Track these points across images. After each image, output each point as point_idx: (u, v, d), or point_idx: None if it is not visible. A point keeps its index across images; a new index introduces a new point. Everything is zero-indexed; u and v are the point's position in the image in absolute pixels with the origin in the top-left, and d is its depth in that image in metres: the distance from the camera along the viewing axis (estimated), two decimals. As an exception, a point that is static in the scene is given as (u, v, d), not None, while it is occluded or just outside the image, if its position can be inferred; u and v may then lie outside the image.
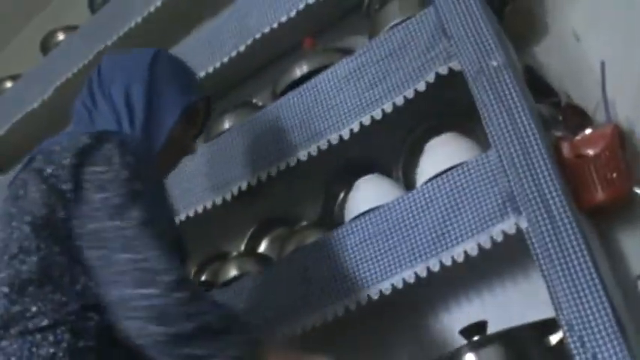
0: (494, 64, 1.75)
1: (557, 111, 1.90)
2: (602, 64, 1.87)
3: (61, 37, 2.95)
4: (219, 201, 2.13)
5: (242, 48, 2.25)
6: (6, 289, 1.37)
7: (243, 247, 2.34)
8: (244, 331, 1.32)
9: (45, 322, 1.33)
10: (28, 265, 1.37)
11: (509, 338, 1.70)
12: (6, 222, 1.43)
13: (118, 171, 1.41)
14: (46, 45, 2.97)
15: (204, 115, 1.88)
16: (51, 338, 1.32)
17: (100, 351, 1.35)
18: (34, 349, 1.31)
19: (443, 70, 1.82)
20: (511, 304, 1.91)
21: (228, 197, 2.11)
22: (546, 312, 1.65)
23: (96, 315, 1.36)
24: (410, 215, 1.79)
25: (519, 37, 2.04)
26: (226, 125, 2.25)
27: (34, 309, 1.34)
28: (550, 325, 1.67)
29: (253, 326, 1.34)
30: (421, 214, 1.77)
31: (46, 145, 1.51)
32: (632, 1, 1.96)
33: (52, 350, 1.31)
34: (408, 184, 1.97)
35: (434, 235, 1.75)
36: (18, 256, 1.38)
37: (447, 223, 1.74)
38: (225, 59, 2.28)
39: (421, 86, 1.85)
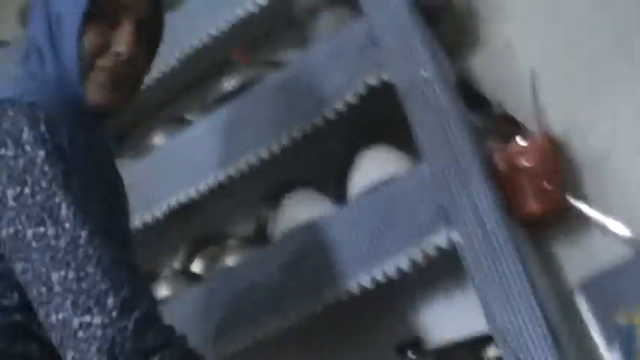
0: (425, 74, 1.72)
1: (490, 121, 1.87)
2: (532, 73, 1.86)
3: (-8, 53, 2.86)
4: (148, 219, 2.06)
5: (173, 62, 2.19)
6: None
7: (176, 266, 2.28)
8: None
9: None
10: None
11: (445, 354, 1.67)
12: None
13: (32, 152, 1.12)
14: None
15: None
16: None
17: (10, 356, 1.14)
18: None
19: (373, 81, 1.79)
20: (447, 320, 1.88)
21: (158, 214, 2.05)
22: (483, 327, 1.62)
23: None
24: (341, 230, 1.75)
25: (454, 47, 2.02)
26: (156, 141, 2.19)
27: None
28: (486, 341, 1.63)
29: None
30: (352, 229, 1.73)
31: None
32: (563, 12, 1.96)
33: None
34: (340, 198, 1.93)
35: (365, 249, 1.71)
36: None
37: (379, 237, 1.70)
38: (155, 74, 2.21)
39: (352, 98, 1.81)
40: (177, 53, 2.16)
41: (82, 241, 1.09)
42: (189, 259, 2.27)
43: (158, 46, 1.44)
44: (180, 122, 2.23)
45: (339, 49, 1.85)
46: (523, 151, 1.77)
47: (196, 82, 2.33)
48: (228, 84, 2.07)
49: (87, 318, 1.06)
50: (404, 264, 1.67)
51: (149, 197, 2.07)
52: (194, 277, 2.17)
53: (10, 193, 1.12)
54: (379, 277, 1.69)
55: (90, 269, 1.08)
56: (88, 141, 1.23)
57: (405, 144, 1.82)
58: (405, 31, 1.78)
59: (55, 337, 1.09)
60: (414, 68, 1.74)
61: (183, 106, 2.37)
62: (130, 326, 1.06)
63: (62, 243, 1.09)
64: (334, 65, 1.85)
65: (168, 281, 2.15)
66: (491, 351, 1.64)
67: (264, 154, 1.91)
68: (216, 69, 2.26)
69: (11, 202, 1.11)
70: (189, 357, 1.13)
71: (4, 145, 1.13)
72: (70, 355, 1.08)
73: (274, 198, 2.02)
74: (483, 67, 2.04)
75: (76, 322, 1.06)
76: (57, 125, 1.16)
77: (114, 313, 1.06)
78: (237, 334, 1.86)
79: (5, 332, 1.15)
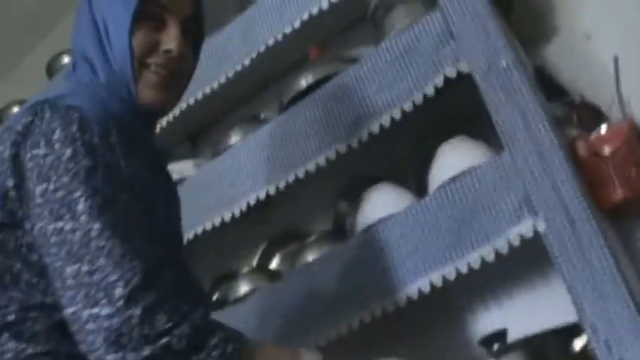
0: (503, 63, 1.70)
1: (570, 111, 1.85)
2: (616, 59, 1.82)
3: (66, 59, 2.91)
4: (227, 217, 2.08)
5: (247, 61, 2.20)
6: None
7: (254, 264, 2.29)
8: (219, 345, 1.12)
9: None
10: None
11: (531, 346, 1.65)
12: None
13: (60, 150, 1.16)
14: (52, 68, 2.94)
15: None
16: None
17: (57, 354, 1.18)
18: None
19: (451, 73, 1.78)
20: (531, 311, 1.86)
21: (237, 213, 2.06)
22: (568, 317, 1.60)
23: (42, 315, 1.18)
24: (423, 223, 1.74)
25: (529, 37, 2.00)
26: (233, 140, 2.20)
27: None
28: (573, 331, 1.61)
29: (236, 334, 1.18)
30: (434, 221, 1.72)
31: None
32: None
33: None
34: (420, 191, 1.92)
35: (448, 241, 1.70)
36: None
37: (462, 228, 1.69)
38: (231, 73, 2.23)
39: (430, 90, 1.80)
40: (252, 52, 2.17)
41: (93, 234, 1.12)
42: (267, 257, 2.28)
43: (200, 47, 1.47)
44: (257, 121, 2.24)
45: (415, 43, 1.84)
46: (606, 138, 1.74)
47: (271, 81, 2.35)
48: (304, 82, 2.08)
49: (96, 310, 1.09)
50: (488, 255, 1.65)
51: (227, 196, 2.09)
52: (272, 275, 2.19)
53: (37, 189, 1.16)
54: (463, 269, 1.68)
55: (102, 261, 1.10)
56: (133, 140, 1.26)
57: (484, 135, 1.81)
58: (480, 21, 1.75)
59: (72, 332, 1.12)
60: (491, 58, 1.71)
61: (258, 104, 2.39)
62: (137, 313, 1.08)
63: (77, 236, 1.12)
64: (411, 59, 1.84)
65: (246, 279, 2.17)
66: (580, 341, 1.61)
67: (342, 149, 1.91)
68: (292, 67, 2.27)
69: (38, 199, 1.15)
70: (200, 331, 1.12)
71: (38, 145, 1.17)
72: (82, 347, 1.11)
73: (352, 193, 2.01)
74: (560, 56, 2.01)
75: (85, 314, 1.09)
76: (89, 125, 1.19)
77: (120, 303, 1.08)
78: (316, 330, 1.87)
79: (51, 331, 1.18)
